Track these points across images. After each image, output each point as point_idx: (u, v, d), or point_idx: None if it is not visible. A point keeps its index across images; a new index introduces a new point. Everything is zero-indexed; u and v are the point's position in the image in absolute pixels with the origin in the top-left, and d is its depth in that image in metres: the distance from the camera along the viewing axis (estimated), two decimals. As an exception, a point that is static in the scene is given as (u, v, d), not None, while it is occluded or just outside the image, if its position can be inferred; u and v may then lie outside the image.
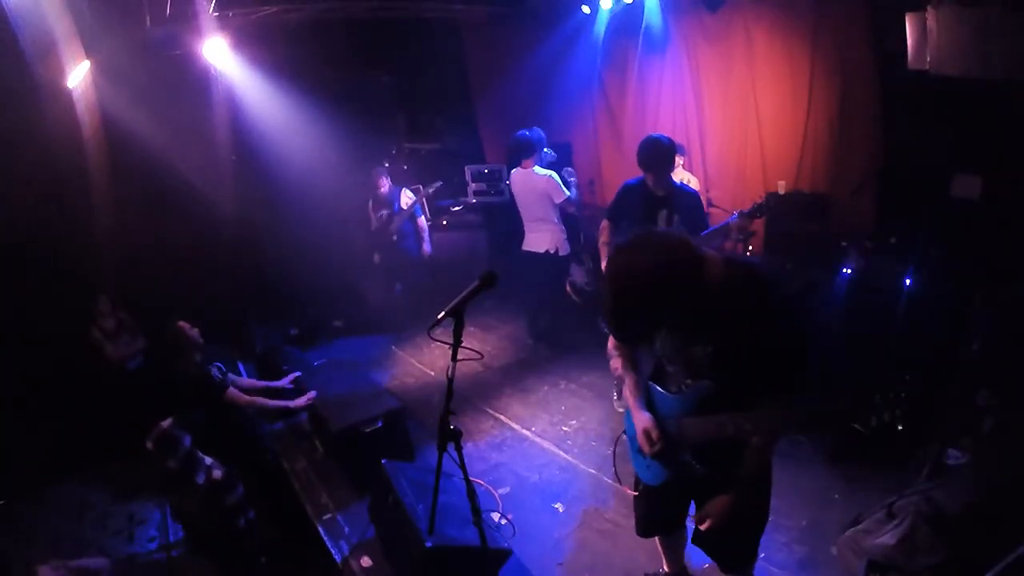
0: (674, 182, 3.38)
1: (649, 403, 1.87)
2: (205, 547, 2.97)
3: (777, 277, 3.01)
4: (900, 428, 1.38)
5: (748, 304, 1.53)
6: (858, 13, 3.98)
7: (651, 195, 3.35)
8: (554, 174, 4.46)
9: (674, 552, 2.46)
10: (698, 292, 1.48)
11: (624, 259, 1.50)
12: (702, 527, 1.78)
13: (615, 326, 1.60)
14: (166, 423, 2.76)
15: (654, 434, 1.78)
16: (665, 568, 2.54)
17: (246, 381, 3.68)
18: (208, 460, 2.85)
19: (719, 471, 1.73)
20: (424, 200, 5.80)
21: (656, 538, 2.39)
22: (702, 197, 5.16)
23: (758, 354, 1.52)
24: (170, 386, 3.23)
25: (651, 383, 1.89)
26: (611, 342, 2.00)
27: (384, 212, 5.54)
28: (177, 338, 3.23)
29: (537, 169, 4.47)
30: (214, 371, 3.39)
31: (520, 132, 4.50)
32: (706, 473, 1.76)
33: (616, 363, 1.97)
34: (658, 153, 3.18)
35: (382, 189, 5.48)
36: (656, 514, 2.14)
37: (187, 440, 2.78)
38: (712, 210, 5.24)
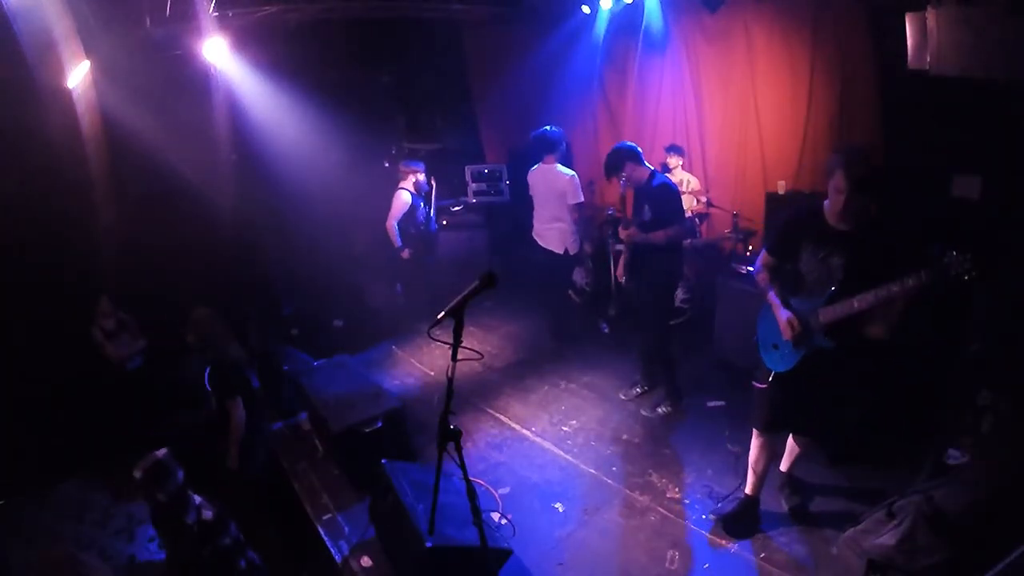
0: (649, 177, 3.58)
1: (787, 306, 2.47)
2: None
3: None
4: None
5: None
6: (858, 13, 3.99)
7: (636, 195, 3.73)
8: (575, 175, 4.44)
9: (763, 463, 2.75)
10: (823, 222, 2.34)
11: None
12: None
13: (776, 242, 2.58)
14: (161, 452, 2.52)
15: (795, 322, 2.39)
16: (746, 491, 2.81)
17: None
18: (198, 499, 2.58)
19: (844, 345, 2.32)
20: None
21: (753, 455, 2.77)
22: (702, 197, 5.19)
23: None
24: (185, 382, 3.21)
25: (790, 296, 2.51)
26: (759, 261, 2.61)
27: (421, 205, 5.18)
28: (203, 328, 3.21)
29: (560, 167, 4.43)
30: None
31: (543, 129, 4.44)
32: (834, 348, 2.35)
33: (762, 277, 2.61)
34: (607, 162, 3.62)
35: (422, 178, 5.12)
36: (779, 402, 2.57)
37: (180, 474, 2.52)
38: (712, 210, 5.25)
